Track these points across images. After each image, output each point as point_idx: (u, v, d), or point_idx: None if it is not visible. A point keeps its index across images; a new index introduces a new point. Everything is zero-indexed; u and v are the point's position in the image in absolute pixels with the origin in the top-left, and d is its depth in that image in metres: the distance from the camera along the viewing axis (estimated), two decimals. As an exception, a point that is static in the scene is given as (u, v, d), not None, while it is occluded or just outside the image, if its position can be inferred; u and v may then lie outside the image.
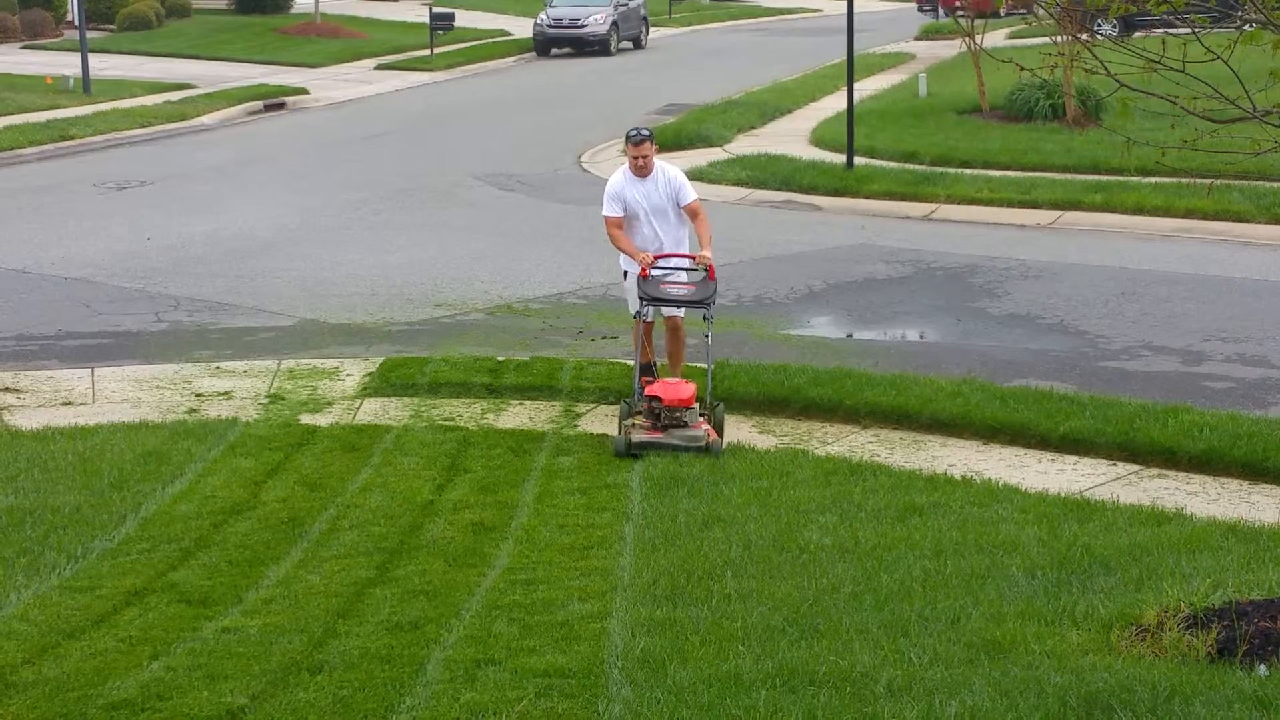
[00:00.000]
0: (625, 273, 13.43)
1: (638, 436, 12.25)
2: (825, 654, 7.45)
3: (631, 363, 13.48)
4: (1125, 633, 7.82)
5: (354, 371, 14.82)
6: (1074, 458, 12.13)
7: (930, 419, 12.89)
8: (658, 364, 13.50)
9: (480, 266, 19.26)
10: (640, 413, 12.54)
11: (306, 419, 13.40)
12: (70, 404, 13.95)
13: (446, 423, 13.25)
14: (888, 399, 13.20)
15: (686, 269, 13.00)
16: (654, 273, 12.86)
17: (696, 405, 12.42)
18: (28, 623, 8.68)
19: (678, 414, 12.26)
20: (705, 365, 13.04)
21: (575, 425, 13.27)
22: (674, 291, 12.80)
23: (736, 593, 8.74)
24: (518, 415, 13.55)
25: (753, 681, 6.99)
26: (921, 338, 16.26)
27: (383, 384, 14.29)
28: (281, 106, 35.93)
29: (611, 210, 13.08)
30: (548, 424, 13.26)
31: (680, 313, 13.23)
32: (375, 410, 13.69)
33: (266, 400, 13.95)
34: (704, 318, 12.87)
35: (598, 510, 10.78)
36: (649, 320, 13.23)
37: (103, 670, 7.73)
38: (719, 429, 12.42)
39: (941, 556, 9.34)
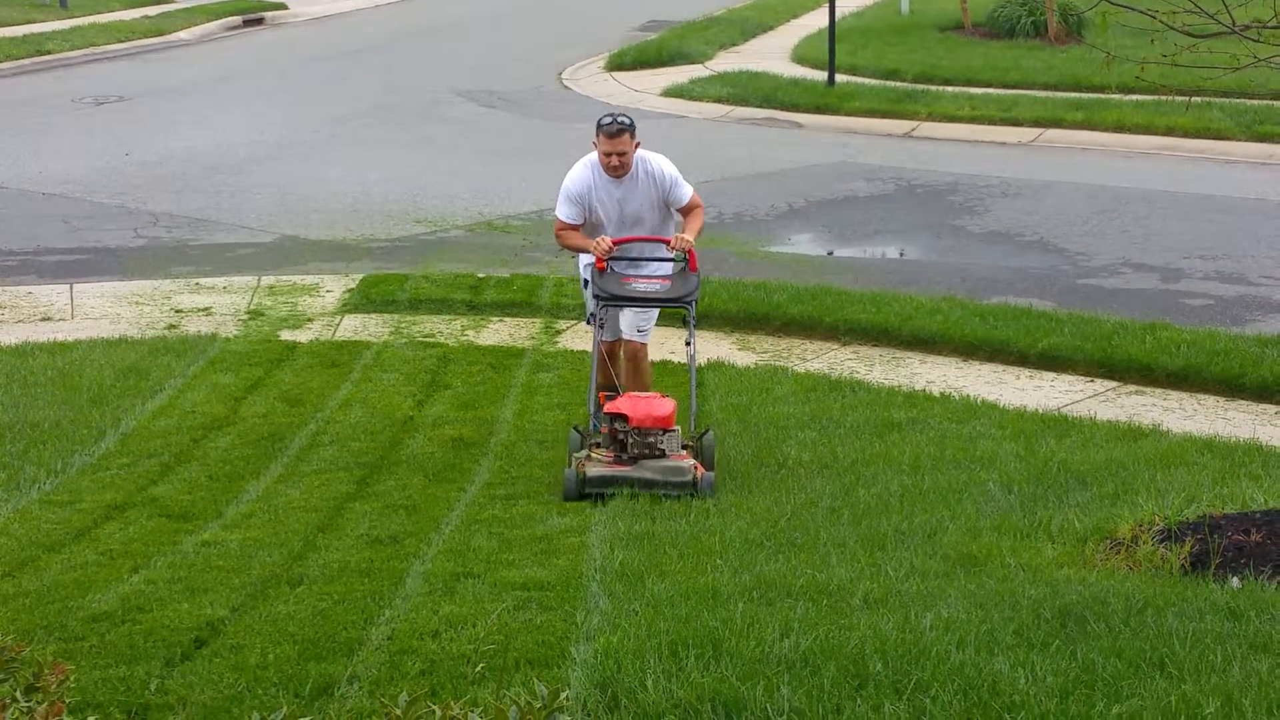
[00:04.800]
0: (585, 281, 10.02)
1: (595, 470, 9.13)
2: (802, 567, 7.48)
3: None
4: (1100, 546, 7.87)
5: (334, 288, 14.79)
6: (1052, 374, 12.17)
7: (910, 336, 12.92)
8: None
9: (461, 183, 19.19)
10: (598, 444, 9.50)
11: (286, 335, 13.40)
12: (49, 319, 13.92)
13: (427, 339, 13.25)
14: (867, 316, 13.22)
15: (659, 258, 9.94)
16: (614, 264, 9.77)
17: (677, 429, 9.36)
18: (8, 536, 8.71)
19: (651, 439, 9.21)
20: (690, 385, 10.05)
21: (555, 342, 13.27)
22: (641, 287, 9.67)
23: (715, 507, 8.78)
24: (498, 332, 13.55)
25: (730, 594, 7.02)
26: (902, 255, 16.26)
27: (363, 300, 14.28)
28: (260, 22, 35.59)
29: (567, 214, 9.84)
30: (528, 340, 13.27)
31: (641, 337, 10.06)
32: (355, 326, 13.68)
33: (246, 316, 13.94)
34: (684, 320, 9.88)
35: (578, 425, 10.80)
36: (606, 338, 10.01)
37: (83, 583, 7.76)
38: (709, 464, 9.40)
39: (919, 472, 9.38)
